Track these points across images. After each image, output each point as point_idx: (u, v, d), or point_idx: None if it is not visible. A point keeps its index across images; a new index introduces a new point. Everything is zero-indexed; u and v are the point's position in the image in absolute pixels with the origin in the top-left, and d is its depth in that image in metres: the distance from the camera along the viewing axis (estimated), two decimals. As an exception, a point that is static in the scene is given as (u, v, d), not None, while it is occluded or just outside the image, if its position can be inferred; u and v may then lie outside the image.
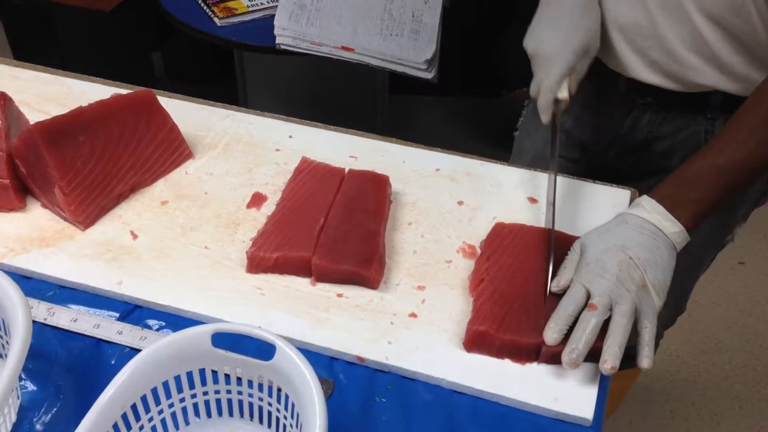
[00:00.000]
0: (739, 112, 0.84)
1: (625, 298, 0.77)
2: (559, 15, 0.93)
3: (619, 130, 1.07)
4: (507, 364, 0.80)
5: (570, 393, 0.77)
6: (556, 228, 0.91)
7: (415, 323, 0.83)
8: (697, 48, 0.93)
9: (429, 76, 1.68)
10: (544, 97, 0.92)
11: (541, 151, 1.21)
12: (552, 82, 0.91)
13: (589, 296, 0.79)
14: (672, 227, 0.82)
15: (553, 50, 0.91)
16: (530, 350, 0.79)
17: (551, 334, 0.77)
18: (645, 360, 0.76)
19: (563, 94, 0.91)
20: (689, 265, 1.17)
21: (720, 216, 1.09)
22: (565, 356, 0.75)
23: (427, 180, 1.02)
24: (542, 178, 1.02)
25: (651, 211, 0.83)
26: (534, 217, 0.96)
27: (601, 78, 1.06)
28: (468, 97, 2.64)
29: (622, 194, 0.99)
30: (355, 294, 0.86)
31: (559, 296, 0.80)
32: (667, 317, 1.29)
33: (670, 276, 0.81)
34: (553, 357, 0.79)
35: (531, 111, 1.24)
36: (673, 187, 0.84)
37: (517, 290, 0.83)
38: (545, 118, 0.93)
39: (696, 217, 0.82)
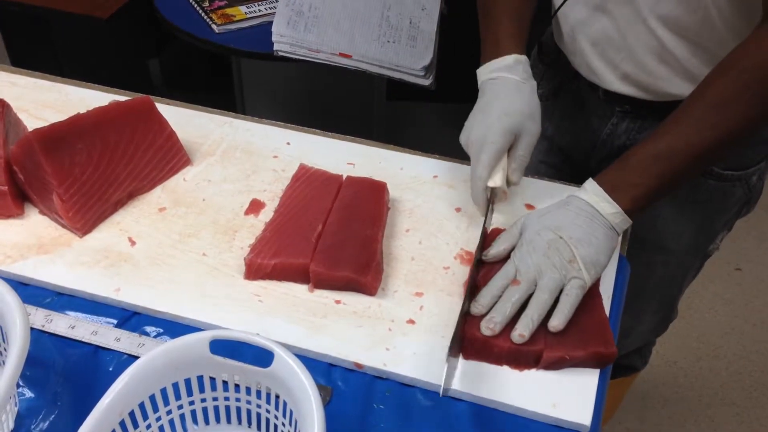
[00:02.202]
0: (685, 100, 0.84)
1: (548, 274, 0.80)
2: (489, 101, 0.92)
3: (598, 136, 1.08)
4: (505, 370, 0.80)
5: (568, 399, 0.77)
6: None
7: (413, 330, 0.83)
8: (665, 60, 0.94)
9: (426, 82, 1.68)
10: (474, 186, 0.90)
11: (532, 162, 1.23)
12: (480, 169, 0.89)
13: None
14: (609, 208, 0.83)
15: (479, 136, 0.90)
16: (530, 357, 0.79)
17: (476, 308, 0.80)
18: (555, 320, 0.79)
19: (495, 182, 0.89)
20: (672, 273, 1.18)
21: (698, 225, 1.10)
22: (483, 324, 0.79)
23: (425, 187, 1.02)
24: (539, 185, 1.02)
25: (591, 192, 0.84)
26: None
27: (579, 87, 1.08)
28: (465, 104, 2.65)
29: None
30: (352, 300, 0.86)
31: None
32: (657, 324, 1.29)
33: (605, 255, 0.83)
34: (552, 363, 0.79)
35: None
36: (615, 171, 0.85)
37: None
38: (478, 207, 0.92)
39: (636, 200, 0.83)
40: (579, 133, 1.11)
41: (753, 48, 0.80)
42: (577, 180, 1.04)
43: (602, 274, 0.87)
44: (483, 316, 0.80)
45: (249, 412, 0.72)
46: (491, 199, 0.92)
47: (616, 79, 1.00)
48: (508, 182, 0.91)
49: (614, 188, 0.84)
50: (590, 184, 0.86)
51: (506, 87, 0.92)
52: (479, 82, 0.96)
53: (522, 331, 0.78)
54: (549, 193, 1.00)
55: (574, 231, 0.82)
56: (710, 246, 1.15)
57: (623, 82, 1.00)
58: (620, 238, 0.88)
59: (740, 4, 0.87)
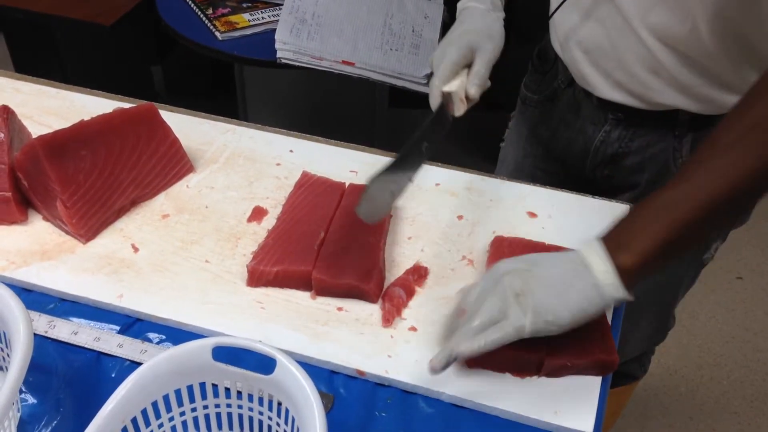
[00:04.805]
0: (699, 147, 0.74)
1: (487, 303, 0.72)
2: (455, 27, 0.98)
3: (592, 143, 1.08)
4: (507, 377, 0.80)
5: (570, 406, 0.77)
6: (555, 242, 0.92)
7: (415, 337, 0.84)
8: (655, 70, 0.94)
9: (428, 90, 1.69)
10: (431, 93, 0.94)
11: (521, 162, 1.24)
12: (436, 79, 0.93)
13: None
14: (600, 266, 0.71)
15: (439, 54, 0.95)
16: (532, 364, 0.79)
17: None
18: (463, 347, 0.71)
19: (450, 87, 0.92)
20: (666, 283, 1.18)
21: None
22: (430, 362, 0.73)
23: (427, 194, 1.02)
24: (541, 193, 1.02)
25: (591, 246, 0.73)
26: (534, 231, 0.96)
27: (575, 93, 1.08)
28: (467, 112, 2.65)
29: (620, 209, 1.00)
30: (355, 308, 0.87)
31: None
32: (654, 332, 1.29)
33: (570, 312, 0.71)
34: (554, 370, 0.79)
35: (515, 123, 1.26)
36: (618, 226, 0.74)
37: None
38: (432, 106, 0.94)
39: (637, 256, 0.70)
40: (574, 139, 1.12)
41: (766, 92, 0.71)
42: (573, 187, 1.04)
43: None
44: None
45: (251, 419, 0.72)
46: (449, 107, 0.93)
47: (608, 87, 1.01)
48: (467, 97, 0.92)
49: (615, 244, 0.72)
50: (594, 240, 0.74)
51: (473, 14, 0.98)
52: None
53: (434, 363, 0.72)
54: (550, 201, 1.01)
55: (544, 269, 0.73)
56: (704, 255, 1.15)
57: (616, 90, 1.00)
58: (601, 305, 0.72)
59: (728, 22, 0.86)
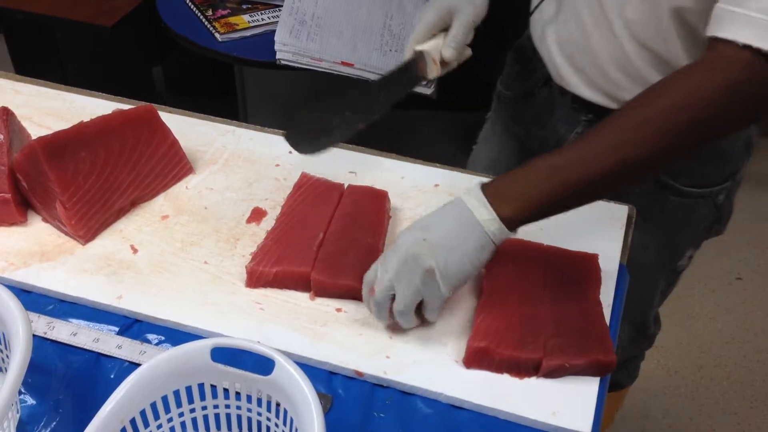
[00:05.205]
0: (603, 120, 0.79)
1: (402, 283, 0.78)
2: None
3: (563, 142, 1.08)
4: (505, 378, 0.80)
5: (568, 407, 0.77)
6: (554, 244, 0.92)
7: (414, 338, 0.84)
8: (625, 69, 0.94)
9: (428, 91, 1.69)
10: (406, 52, 0.95)
11: (496, 158, 1.24)
12: (411, 39, 0.93)
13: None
14: (485, 214, 0.78)
15: (419, 17, 0.95)
16: (530, 365, 0.79)
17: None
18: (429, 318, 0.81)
19: (423, 47, 0.93)
20: (640, 286, 1.17)
21: (662, 240, 1.09)
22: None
23: (426, 195, 1.02)
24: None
25: (472, 197, 0.79)
26: (531, 231, 0.96)
27: (551, 92, 1.08)
28: (467, 113, 2.65)
29: (620, 210, 1.00)
30: (353, 308, 0.87)
31: None
32: (633, 337, 1.28)
33: (471, 263, 0.78)
34: (552, 371, 0.79)
35: (490, 123, 1.26)
36: (504, 179, 0.80)
37: (516, 305, 0.84)
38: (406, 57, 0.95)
39: (518, 210, 0.78)
40: (547, 139, 1.11)
41: (682, 77, 0.75)
42: None
43: (603, 282, 0.88)
44: (483, 325, 0.81)
45: (249, 419, 0.73)
46: (420, 66, 0.94)
47: (583, 84, 1.00)
48: (443, 61, 0.93)
49: (498, 195, 0.78)
50: (475, 188, 0.80)
51: None
52: None
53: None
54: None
55: (439, 233, 0.79)
56: (678, 263, 1.15)
57: (589, 89, 1.00)
58: (493, 248, 0.80)
59: (689, 17, 0.85)
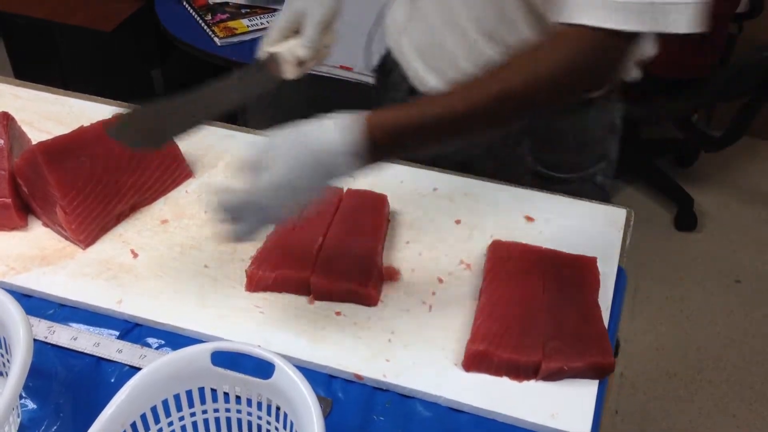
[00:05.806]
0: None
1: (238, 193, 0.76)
2: None
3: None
4: (505, 381, 0.80)
5: (567, 410, 0.77)
6: (553, 247, 0.92)
7: (413, 341, 0.84)
8: (481, 65, 0.95)
9: (427, 95, 1.69)
10: (260, 52, 0.94)
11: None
12: (264, 39, 0.93)
13: None
14: (335, 134, 0.77)
15: (272, 23, 0.95)
16: (529, 368, 0.80)
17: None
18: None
19: (275, 48, 0.93)
20: None
21: None
22: None
23: (425, 199, 1.03)
24: (539, 197, 1.03)
25: (329, 116, 0.79)
26: (531, 234, 0.97)
27: None
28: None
29: (618, 213, 1.00)
30: (353, 312, 0.87)
31: None
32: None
33: (307, 179, 0.76)
34: (551, 374, 0.79)
35: None
36: (385, 111, 0.79)
37: (515, 308, 0.84)
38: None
39: (373, 129, 0.77)
40: None
41: (548, 45, 0.76)
42: None
43: (601, 285, 0.88)
44: (482, 328, 0.81)
45: (250, 423, 0.73)
46: (273, 67, 0.93)
47: (442, 85, 0.99)
48: (301, 61, 0.93)
49: (375, 124, 0.78)
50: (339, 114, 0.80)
51: None
52: None
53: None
54: (547, 205, 1.01)
55: (278, 149, 0.78)
56: None
57: None
58: (350, 165, 0.77)
59: (541, 9, 0.86)
